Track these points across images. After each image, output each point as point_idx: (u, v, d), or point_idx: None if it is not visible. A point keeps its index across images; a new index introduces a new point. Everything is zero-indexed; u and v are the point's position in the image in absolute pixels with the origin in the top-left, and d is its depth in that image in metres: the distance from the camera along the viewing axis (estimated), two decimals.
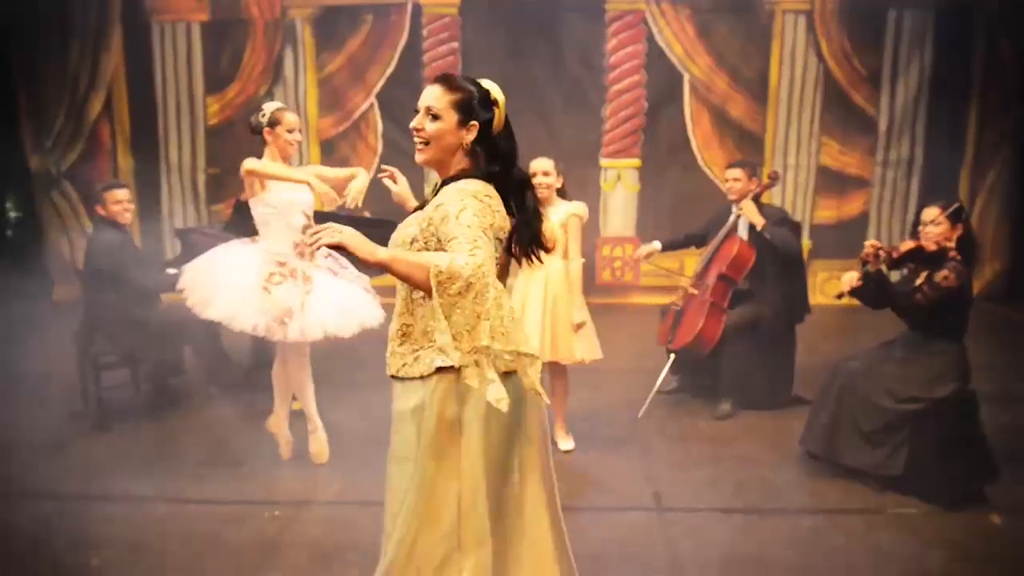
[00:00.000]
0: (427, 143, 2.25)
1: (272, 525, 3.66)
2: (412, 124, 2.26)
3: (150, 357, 4.91)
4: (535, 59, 7.58)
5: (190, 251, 5.51)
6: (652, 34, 7.64)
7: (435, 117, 2.23)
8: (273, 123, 3.98)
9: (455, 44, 7.70)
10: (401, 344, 2.28)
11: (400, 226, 2.30)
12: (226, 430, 4.73)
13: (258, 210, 4.00)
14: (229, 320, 3.91)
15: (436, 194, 2.27)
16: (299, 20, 7.73)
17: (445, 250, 2.08)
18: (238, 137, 7.68)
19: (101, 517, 3.72)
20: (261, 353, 5.58)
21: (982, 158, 7.74)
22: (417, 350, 2.25)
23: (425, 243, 2.19)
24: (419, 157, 2.28)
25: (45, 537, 3.56)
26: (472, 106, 2.24)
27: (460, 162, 2.28)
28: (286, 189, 3.95)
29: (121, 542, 3.51)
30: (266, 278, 3.92)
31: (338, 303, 3.99)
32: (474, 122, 2.24)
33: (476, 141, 2.25)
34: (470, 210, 2.12)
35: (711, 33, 7.61)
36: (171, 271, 4.75)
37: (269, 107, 4.03)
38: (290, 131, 3.99)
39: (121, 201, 4.78)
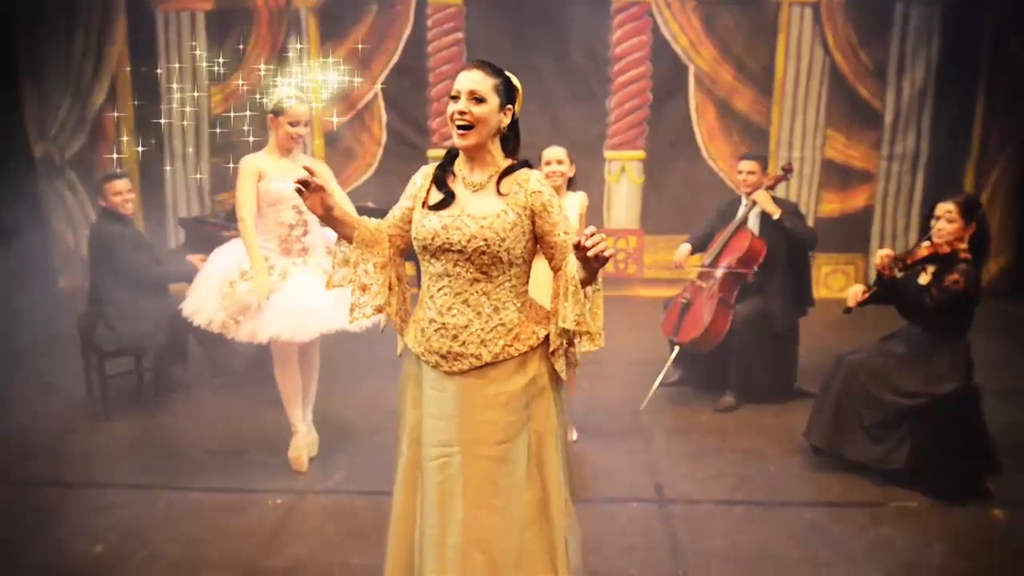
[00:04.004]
0: (470, 127, 2.27)
1: (274, 513, 3.67)
2: (455, 108, 2.26)
3: (154, 345, 4.90)
4: (539, 50, 7.55)
5: (193, 240, 5.53)
6: (657, 26, 7.60)
7: (480, 100, 2.26)
8: (277, 111, 3.84)
9: (459, 35, 7.68)
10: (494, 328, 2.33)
11: (490, 215, 2.27)
12: (229, 419, 4.75)
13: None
14: (192, 314, 3.88)
15: (500, 182, 2.32)
16: (303, 9, 7.71)
17: (549, 236, 2.31)
18: (242, 126, 7.67)
19: (104, 505, 3.73)
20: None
21: (988, 153, 7.69)
22: (511, 327, 2.34)
23: (521, 228, 2.30)
24: (463, 141, 2.28)
25: (48, 524, 3.57)
26: (509, 91, 2.33)
27: (493, 147, 2.35)
28: (276, 179, 3.82)
29: (124, 530, 3.52)
30: (240, 273, 3.83)
31: (300, 306, 3.76)
32: (510, 106, 2.33)
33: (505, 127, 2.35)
34: (556, 201, 2.34)
35: (716, 25, 7.57)
36: (189, 258, 4.78)
37: (281, 92, 3.88)
38: (293, 123, 3.82)
39: (121, 192, 4.76)
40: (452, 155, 2.41)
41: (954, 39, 7.44)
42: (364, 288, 2.43)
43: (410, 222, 2.40)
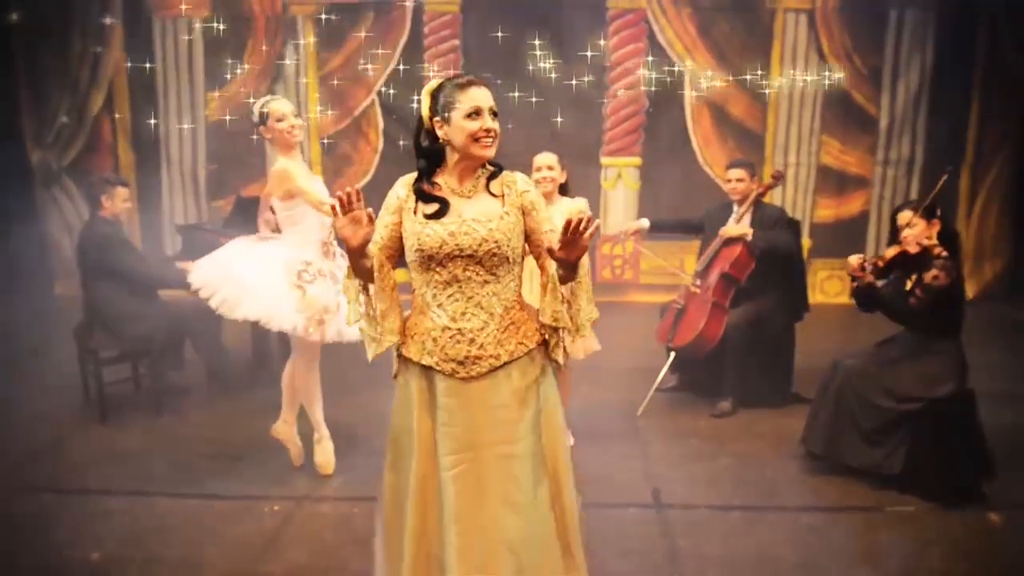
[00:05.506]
0: (493, 140, 2.35)
1: (271, 520, 3.67)
2: (483, 126, 2.31)
3: (150, 352, 4.90)
4: (535, 57, 7.59)
5: (191, 247, 5.54)
6: (653, 32, 7.63)
7: (496, 114, 2.36)
8: (263, 117, 3.85)
9: (456, 42, 7.70)
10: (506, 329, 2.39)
11: (494, 218, 2.33)
12: (226, 425, 4.75)
13: (293, 210, 3.85)
14: (267, 320, 3.77)
15: (489, 182, 2.40)
16: (300, 17, 7.73)
17: (536, 233, 2.39)
18: (239, 133, 7.69)
19: (101, 511, 3.73)
20: (261, 348, 5.60)
21: (983, 157, 7.73)
22: (519, 324, 2.41)
23: (520, 227, 2.38)
24: (490, 152, 2.36)
25: (46, 531, 3.57)
26: None
27: None
28: (311, 182, 3.86)
29: (121, 536, 3.52)
30: (296, 276, 3.81)
31: None
32: None
33: None
34: (542, 199, 2.47)
35: (712, 31, 7.60)
36: (180, 265, 4.76)
37: (258, 104, 3.91)
38: (280, 120, 3.82)
39: (127, 199, 4.85)
40: (427, 170, 2.40)
41: (948, 44, 7.47)
42: (383, 316, 2.40)
43: (399, 238, 2.40)
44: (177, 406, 5.01)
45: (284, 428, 4.15)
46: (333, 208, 2.17)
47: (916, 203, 3.91)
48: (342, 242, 2.25)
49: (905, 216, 3.87)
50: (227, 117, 7.82)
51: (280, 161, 3.85)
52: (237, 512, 3.73)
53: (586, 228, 2.10)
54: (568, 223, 2.10)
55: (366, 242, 2.24)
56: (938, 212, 3.87)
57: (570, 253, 2.16)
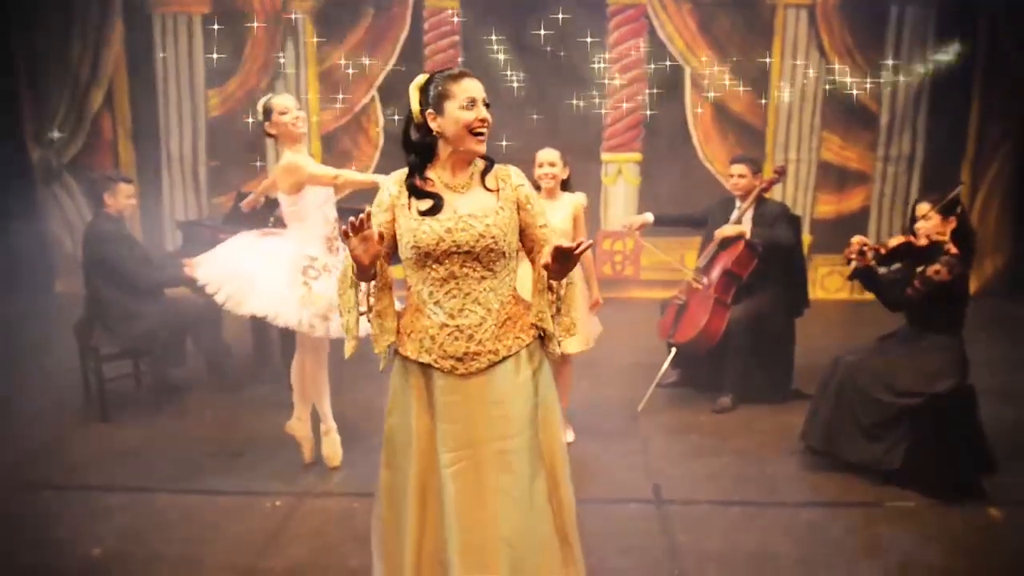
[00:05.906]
0: (487, 131, 2.35)
1: (272, 516, 3.68)
2: (479, 116, 2.31)
3: (151, 348, 4.90)
4: (536, 53, 7.58)
5: (192, 244, 5.54)
6: (653, 28, 7.63)
7: (488, 105, 2.35)
8: (267, 112, 3.86)
9: (456, 38, 7.69)
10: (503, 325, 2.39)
11: (491, 213, 2.33)
12: (227, 421, 4.75)
13: (298, 205, 3.87)
14: (273, 316, 3.76)
15: (484, 176, 2.39)
16: (300, 13, 7.73)
17: (530, 228, 2.40)
18: (239, 130, 7.69)
19: (102, 508, 3.73)
20: (262, 344, 5.60)
21: (983, 153, 7.73)
22: (516, 319, 2.41)
23: (515, 221, 2.39)
24: (483, 148, 2.36)
25: (47, 527, 3.58)
26: None
27: None
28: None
29: (122, 532, 3.53)
30: (302, 272, 3.80)
31: None
32: None
33: None
34: (536, 193, 2.48)
35: (713, 27, 7.60)
36: (185, 262, 4.76)
37: (261, 102, 3.92)
38: (283, 113, 3.83)
39: (131, 196, 4.84)
40: (418, 165, 2.39)
41: (949, 40, 7.47)
42: (380, 315, 2.41)
43: (394, 236, 2.39)
44: (178, 403, 5.01)
45: (298, 425, 4.15)
46: (344, 232, 2.18)
47: (936, 197, 3.88)
48: (354, 260, 2.26)
49: (923, 208, 3.87)
50: (227, 114, 7.82)
51: (287, 155, 3.87)
52: (238, 508, 3.74)
53: (576, 248, 2.14)
54: (558, 248, 2.14)
55: (376, 258, 2.27)
56: (957, 210, 3.85)
57: (560, 267, 2.21)
